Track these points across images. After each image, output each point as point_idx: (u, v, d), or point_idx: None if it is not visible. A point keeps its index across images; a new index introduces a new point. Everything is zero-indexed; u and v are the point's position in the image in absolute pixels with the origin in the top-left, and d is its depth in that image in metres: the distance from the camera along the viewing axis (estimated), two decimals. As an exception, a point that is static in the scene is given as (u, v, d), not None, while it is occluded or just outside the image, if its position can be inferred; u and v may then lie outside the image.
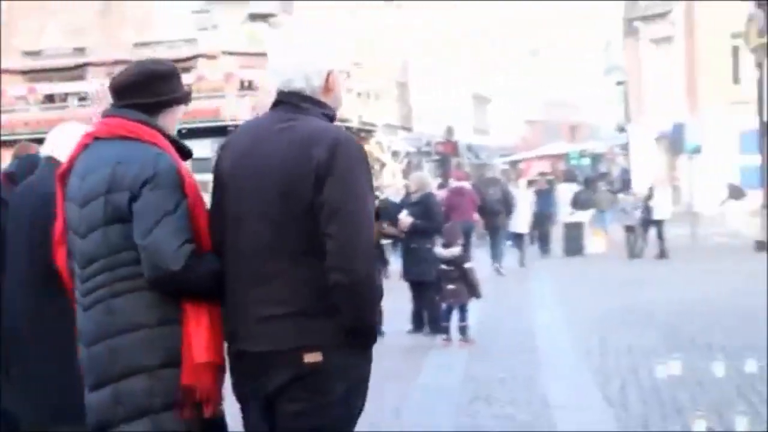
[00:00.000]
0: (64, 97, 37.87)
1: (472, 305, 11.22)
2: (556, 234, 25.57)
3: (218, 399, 3.48)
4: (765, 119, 17.85)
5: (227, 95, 36.16)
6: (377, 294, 3.37)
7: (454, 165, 43.53)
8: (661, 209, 23.01)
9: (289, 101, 3.43)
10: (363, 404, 3.44)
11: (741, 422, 6.68)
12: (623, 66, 51.53)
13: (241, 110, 33.01)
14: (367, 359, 3.44)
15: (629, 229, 23.88)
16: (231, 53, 36.74)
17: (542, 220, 25.64)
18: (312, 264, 3.28)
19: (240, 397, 3.48)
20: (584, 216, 26.04)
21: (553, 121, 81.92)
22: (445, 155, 48.57)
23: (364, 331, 3.37)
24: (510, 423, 7.28)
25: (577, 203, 26.42)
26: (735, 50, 38.20)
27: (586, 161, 56.42)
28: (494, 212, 20.82)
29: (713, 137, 28.08)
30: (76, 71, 38.23)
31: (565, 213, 26.18)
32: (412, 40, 50.94)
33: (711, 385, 8.20)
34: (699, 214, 29.12)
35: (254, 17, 37.99)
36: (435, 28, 54.64)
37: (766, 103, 13.17)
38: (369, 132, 41.86)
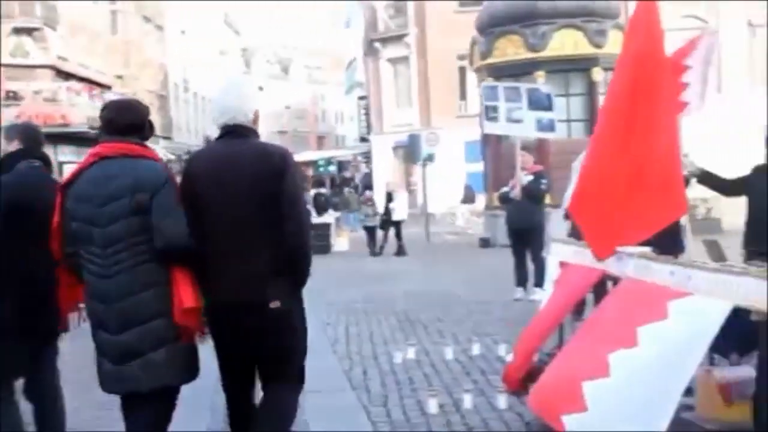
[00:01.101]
0: None
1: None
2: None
3: (202, 330, 4.68)
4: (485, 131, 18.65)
5: (-8, 104, 34.31)
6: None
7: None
8: (399, 211, 23.54)
9: (236, 131, 4.66)
10: (306, 328, 4.92)
11: (467, 399, 6.92)
12: (364, 83, 52.45)
13: (5, 118, 31.37)
14: (301, 301, 4.80)
15: (370, 229, 24.31)
16: (-5, 65, 34.88)
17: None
18: (271, 239, 4.49)
19: (216, 336, 4.67)
20: (330, 217, 26.31)
21: (302, 131, 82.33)
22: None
23: (304, 281, 4.71)
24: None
25: (318, 206, 26.71)
26: (461, 70, 39.66)
27: (333, 168, 57.12)
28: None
29: (444, 147, 28.97)
30: None
31: (313, 215, 26.40)
32: (171, 58, 49.99)
33: (442, 367, 8.45)
34: (432, 215, 30.01)
35: (19, 31, 36.21)
36: (192, 48, 53.79)
37: (484, 116, 13.65)
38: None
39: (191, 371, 4.67)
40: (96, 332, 4.59)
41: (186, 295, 4.47)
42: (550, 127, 13.00)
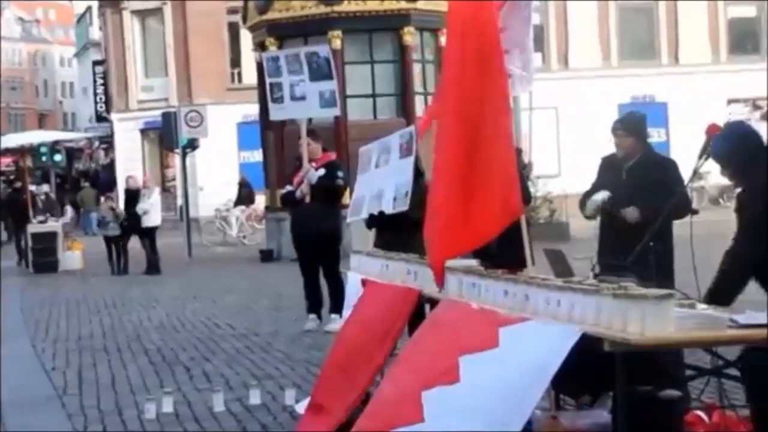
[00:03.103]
0: None
1: None
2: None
3: None
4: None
5: None
6: None
7: None
8: (149, 215, 23.23)
9: None
10: None
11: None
12: (102, 43, 51.55)
13: None
14: None
15: (112, 240, 23.88)
16: None
17: (17, 228, 25.25)
18: None
19: None
20: (56, 225, 25.74)
21: (16, 107, 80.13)
22: None
23: None
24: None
25: (46, 206, 26.20)
26: (233, 28, 39.53)
27: (60, 157, 55.65)
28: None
29: (211, 130, 28.78)
30: None
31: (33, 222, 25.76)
32: None
33: (210, 422, 8.40)
34: (196, 221, 29.80)
35: None
36: None
37: (270, 98, 13.57)
38: None
39: None
40: None
41: None
42: (332, 101, 13.02)
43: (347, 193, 13.22)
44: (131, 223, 23.18)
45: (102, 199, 28.20)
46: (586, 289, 4.53)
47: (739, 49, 41.15)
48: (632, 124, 8.33)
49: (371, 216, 9.40)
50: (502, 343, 4.69)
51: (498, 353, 4.68)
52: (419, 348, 5.51)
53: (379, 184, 9.02)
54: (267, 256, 23.48)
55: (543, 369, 4.49)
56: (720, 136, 6.40)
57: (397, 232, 8.65)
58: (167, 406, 8.81)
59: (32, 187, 29.77)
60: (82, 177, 43.10)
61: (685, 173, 7.50)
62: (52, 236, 24.89)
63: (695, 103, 34.52)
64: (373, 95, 22.74)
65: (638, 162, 8.05)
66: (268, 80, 13.62)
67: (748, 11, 42.09)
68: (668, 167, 8.02)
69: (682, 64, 40.41)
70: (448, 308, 5.52)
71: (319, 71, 12.78)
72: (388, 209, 8.47)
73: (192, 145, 27.58)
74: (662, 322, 4.23)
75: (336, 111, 13.44)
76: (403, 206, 7.89)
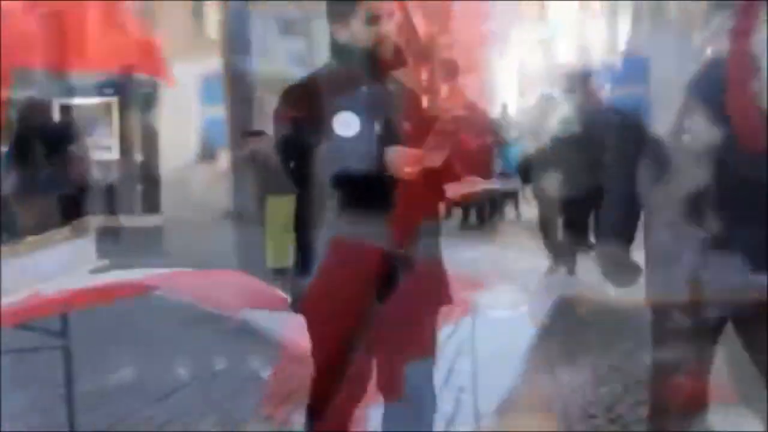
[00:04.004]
0: None
1: None
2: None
3: None
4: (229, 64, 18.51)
5: None
6: None
7: None
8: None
9: None
10: None
11: (206, 424, 6.95)
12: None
13: None
14: None
15: (67, 199, 23.78)
16: None
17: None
18: None
19: None
20: (6, 187, 25.60)
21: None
22: None
23: None
24: None
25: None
26: (195, -22, 39.32)
27: (12, 115, 55.46)
28: None
29: (172, 83, 28.60)
30: None
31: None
32: None
33: (171, 389, 8.41)
34: (158, 180, 29.67)
35: None
36: None
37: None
38: None
39: None
40: None
41: None
42: (301, 60, 13.06)
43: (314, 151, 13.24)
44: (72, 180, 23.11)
45: (54, 157, 28.05)
46: (560, 251, 4.57)
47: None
48: (572, 82, 8.11)
49: (337, 175, 9.41)
50: (477, 311, 4.74)
51: (474, 323, 4.74)
52: (394, 319, 5.53)
53: (346, 142, 9.03)
54: (230, 216, 23.43)
55: (516, 337, 4.54)
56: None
57: (362, 191, 8.65)
58: (128, 375, 8.83)
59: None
60: (37, 136, 42.74)
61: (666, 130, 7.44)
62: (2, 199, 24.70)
63: (678, 57, 34.42)
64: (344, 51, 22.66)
65: (594, 120, 7.84)
66: (237, 31, 13.62)
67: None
68: (631, 122, 7.85)
69: (664, 17, 40.21)
70: (422, 274, 5.53)
71: (288, 29, 12.83)
72: (354, 167, 8.48)
73: (150, 99, 27.43)
74: (637, 285, 4.26)
75: (305, 70, 13.44)
76: (368, 165, 7.89)
